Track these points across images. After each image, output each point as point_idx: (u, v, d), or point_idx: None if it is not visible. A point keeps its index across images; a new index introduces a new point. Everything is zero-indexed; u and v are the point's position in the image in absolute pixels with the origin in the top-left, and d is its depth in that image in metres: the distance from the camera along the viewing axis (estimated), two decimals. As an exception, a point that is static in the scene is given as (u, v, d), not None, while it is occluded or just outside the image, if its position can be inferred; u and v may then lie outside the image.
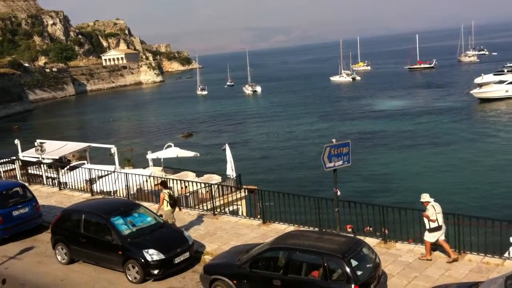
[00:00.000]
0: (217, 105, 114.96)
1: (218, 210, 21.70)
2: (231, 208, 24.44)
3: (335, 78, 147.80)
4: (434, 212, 14.90)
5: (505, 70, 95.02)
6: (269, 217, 19.79)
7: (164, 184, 18.83)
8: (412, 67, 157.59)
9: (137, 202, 20.37)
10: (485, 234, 16.05)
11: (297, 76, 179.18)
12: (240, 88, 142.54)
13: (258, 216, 20.64)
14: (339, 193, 17.09)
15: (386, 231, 17.14)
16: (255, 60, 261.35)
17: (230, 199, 24.36)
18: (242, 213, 24.75)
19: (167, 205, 17.74)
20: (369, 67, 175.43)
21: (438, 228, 14.86)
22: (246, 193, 26.54)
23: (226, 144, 32.62)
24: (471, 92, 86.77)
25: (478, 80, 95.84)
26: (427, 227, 15.02)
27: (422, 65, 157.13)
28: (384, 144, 60.41)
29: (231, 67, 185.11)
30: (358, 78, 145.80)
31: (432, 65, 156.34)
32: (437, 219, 14.83)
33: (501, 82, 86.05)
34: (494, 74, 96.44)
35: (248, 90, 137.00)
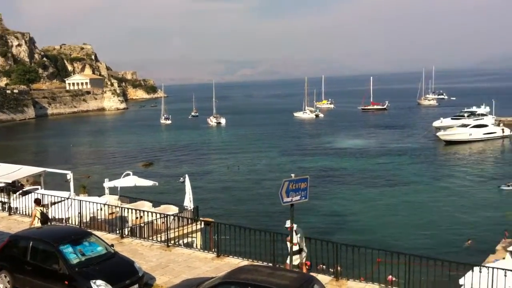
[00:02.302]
0: (180, 135, 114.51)
1: (173, 242, 21.38)
2: (186, 240, 24.11)
3: (298, 114, 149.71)
4: (296, 236, 15.68)
5: (465, 115, 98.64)
6: (224, 251, 19.61)
7: (37, 201, 19.80)
8: (365, 107, 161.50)
9: (89, 230, 19.88)
10: (434, 274, 16.29)
11: (262, 110, 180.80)
12: (204, 119, 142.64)
13: (213, 249, 20.43)
14: (295, 227, 17.13)
15: (339, 268, 17.21)
16: (221, 92, 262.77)
17: (185, 231, 24.05)
18: (196, 246, 24.42)
19: (38, 222, 18.50)
20: (332, 105, 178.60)
21: (299, 252, 15.57)
22: (202, 226, 26.28)
23: (186, 175, 32.43)
24: (437, 134, 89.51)
25: (437, 123, 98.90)
26: (289, 250, 15.79)
27: (375, 106, 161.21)
28: (343, 182, 61.11)
29: (197, 97, 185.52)
30: (321, 115, 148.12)
31: (385, 106, 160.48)
32: (298, 243, 15.60)
33: (464, 125, 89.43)
34: (452, 118, 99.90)
35: (212, 121, 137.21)
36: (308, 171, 65.93)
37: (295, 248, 15.66)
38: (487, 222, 42.66)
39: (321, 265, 18.54)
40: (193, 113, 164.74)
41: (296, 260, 15.59)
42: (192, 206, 28.37)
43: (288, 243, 15.78)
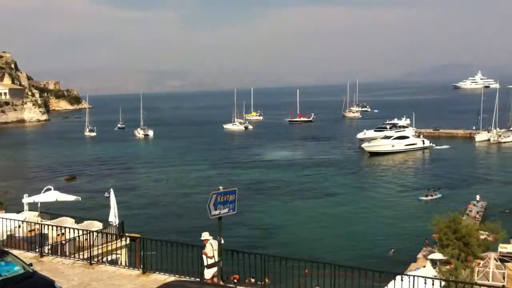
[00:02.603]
0: (106, 148, 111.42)
1: (96, 259, 20.62)
2: (110, 257, 23.33)
3: (228, 126, 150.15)
4: (211, 249, 15.89)
5: (388, 127, 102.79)
6: (150, 267, 19.12)
7: None
8: (293, 119, 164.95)
9: (6, 249, 18.78)
10: (359, 284, 16.69)
11: (191, 122, 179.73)
12: (131, 131, 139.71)
13: (139, 266, 19.88)
14: (222, 241, 17.01)
15: (267, 281, 17.25)
16: (149, 103, 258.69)
17: (110, 247, 23.26)
18: (121, 263, 23.69)
19: None
20: (261, 117, 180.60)
21: (214, 265, 15.79)
22: (128, 241, 25.55)
23: (111, 189, 31.43)
24: (362, 145, 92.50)
25: (360, 135, 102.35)
26: (205, 263, 15.89)
27: (302, 118, 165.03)
28: (272, 194, 61.74)
29: (124, 109, 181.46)
30: (250, 127, 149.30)
31: (311, 118, 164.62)
32: (213, 256, 15.82)
33: (387, 137, 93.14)
34: (375, 130, 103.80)
35: (139, 133, 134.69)
36: (237, 184, 66.00)
37: (211, 261, 15.71)
38: (409, 232, 44.49)
39: (250, 278, 18.52)
40: (119, 125, 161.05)
41: (210, 273, 15.64)
42: (117, 222, 27.52)
43: (204, 256, 15.80)
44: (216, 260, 15.72)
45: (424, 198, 56.17)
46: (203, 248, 16.08)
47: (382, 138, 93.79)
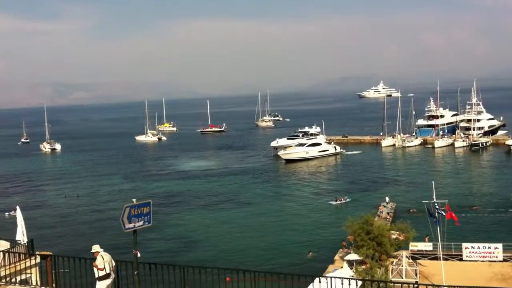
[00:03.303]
0: (9, 164, 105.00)
1: (4, 280, 19.22)
2: (20, 277, 21.85)
3: (140, 138, 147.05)
4: (102, 261, 15.84)
5: (300, 135, 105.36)
6: (63, 285, 18.14)
7: None
8: (204, 130, 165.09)
9: None
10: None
11: (101, 134, 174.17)
12: (37, 146, 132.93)
13: (52, 285, 18.79)
14: (139, 254, 16.45)
15: (188, 291, 16.88)
16: (54, 116, 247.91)
17: (20, 267, 21.79)
18: (33, 282, 22.29)
19: None
20: (174, 128, 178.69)
21: (106, 276, 15.75)
22: (39, 260, 24.11)
23: (17, 207, 29.54)
24: (278, 153, 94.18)
25: (273, 143, 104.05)
26: (96, 276, 15.82)
27: (213, 129, 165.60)
28: (188, 204, 61.07)
29: (27, 123, 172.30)
30: (164, 138, 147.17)
31: (222, 128, 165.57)
32: (105, 268, 15.77)
33: (301, 145, 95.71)
34: (288, 138, 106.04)
35: (46, 147, 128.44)
36: (152, 195, 64.71)
37: (102, 273, 15.35)
38: (324, 235, 45.67)
39: (169, 291, 18.04)
40: (23, 139, 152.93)
41: (103, 285, 15.29)
42: (26, 240, 25.90)
43: (95, 269, 15.43)
44: (107, 272, 15.43)
45: (333, 202, 57.89)
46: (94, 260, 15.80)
47: (297, 145, 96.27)
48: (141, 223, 16.32)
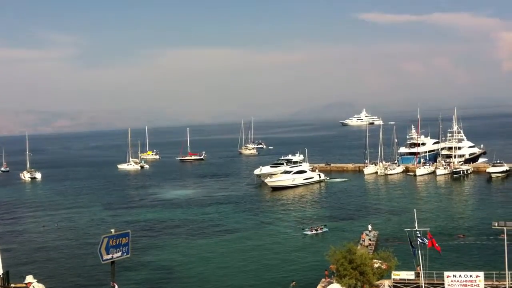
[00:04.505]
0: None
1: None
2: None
3: (123, 166, 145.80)
4: None
5: (284, 163, 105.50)
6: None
7: None
8: (183, 158, 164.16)
9: None
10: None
11: (83, 163, 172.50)
12: (17, 174, 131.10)
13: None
14: (116, 287, 16.12)
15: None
16: (36, 145, 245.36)
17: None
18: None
19: None
20: (157, 156, 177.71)
21: None
22: (14, 292, 23.50)
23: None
24: (265, 181, 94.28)
25: (257, 171, 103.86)
26: None
27: (193, 157, 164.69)
28: (171, 233, 60.29)
29: (7, 151, 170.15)
30: (146, 166, 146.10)
31: (202, 157, 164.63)
32: None
33: (287, 172, 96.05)
34: (271, 166, 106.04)
35: (26, 176, 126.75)
36: (134, 225, 63.93)
37: None
38: (308, 264, 45.27)
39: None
40: (2, 168, 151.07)
41: None
42: (1, 272, 25.27)
43: None
44: None
45: (309, 232, 56.85)
46: None
47: (283, 173, 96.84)
48: (119, 254, 16.06)
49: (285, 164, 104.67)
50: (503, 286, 33.89)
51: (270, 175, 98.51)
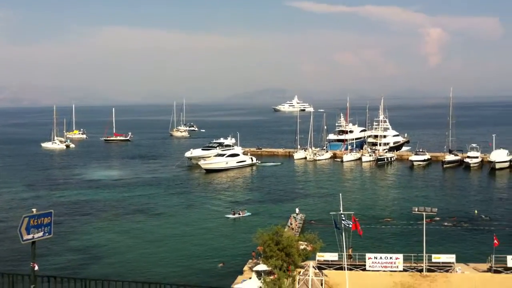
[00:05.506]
0: None
1: None
2: None
3: (47, 145, 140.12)
4: None
5: (215, 146, 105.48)
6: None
7: None
8: (108, 138, 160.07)
9: None
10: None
11: (3, 141, 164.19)
12: None
13: None
14: (36, 267, 15.51)
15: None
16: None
17: None
18: None
19: None
20: (84, 135, 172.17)
21: None
22: None
23: None
24: (199, 163, 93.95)
25: (188, 154, 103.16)
26: None
27: (118, 137, 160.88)
28: (96, 215, 58.85)
29: None
30: (72, 145, 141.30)
31: (128, 138, 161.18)
32: None
33: (221, 155, 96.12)
34: (202, 149, 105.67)
35: None
36: (58, 205, 61.83)
37: None
38: (236, 246, 45.66)
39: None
40: None
41: None
42: None
43: None
44: None
45: (231, 216, 57.31)
46: None
47: (216, 155, 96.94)
48: (40, 234, 15.42)
49: (216, 147, 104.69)
50: (420, 267, 35.72)
51: (203, 157, 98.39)
